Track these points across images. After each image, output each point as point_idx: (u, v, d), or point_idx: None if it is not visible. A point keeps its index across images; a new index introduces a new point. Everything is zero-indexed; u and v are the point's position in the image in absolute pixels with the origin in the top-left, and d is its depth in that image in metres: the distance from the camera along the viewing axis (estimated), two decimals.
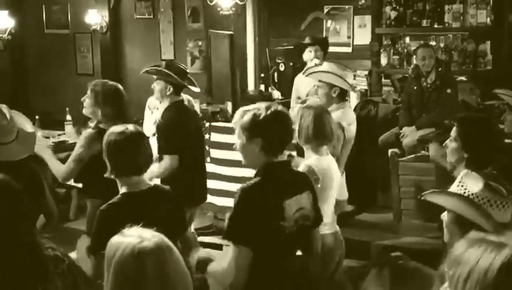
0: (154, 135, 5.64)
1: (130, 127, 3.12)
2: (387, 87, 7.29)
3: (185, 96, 5.02)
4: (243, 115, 2.84)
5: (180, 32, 8.39)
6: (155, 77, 4.70)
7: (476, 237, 1.75)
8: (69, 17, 9.17)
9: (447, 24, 7.03)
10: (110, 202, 3.01)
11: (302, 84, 6.24)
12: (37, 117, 7.09)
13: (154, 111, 6.04)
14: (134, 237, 1.95)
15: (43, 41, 9.38)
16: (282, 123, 2.84)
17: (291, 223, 2.79)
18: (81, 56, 9.20)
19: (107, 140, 3.07)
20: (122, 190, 3.04)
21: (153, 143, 5.66)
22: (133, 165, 3.03)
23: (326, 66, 4.62)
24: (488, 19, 6.90)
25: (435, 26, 7.08)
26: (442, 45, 7.19)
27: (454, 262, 1.71)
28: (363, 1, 7.62)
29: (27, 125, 3.52)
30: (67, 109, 7.15)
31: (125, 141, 3.02)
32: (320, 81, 4.54)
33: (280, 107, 2.91)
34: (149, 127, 5.80)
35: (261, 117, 2.79)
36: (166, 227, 2.32)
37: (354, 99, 6.62)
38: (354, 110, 5.98)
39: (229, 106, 6.41)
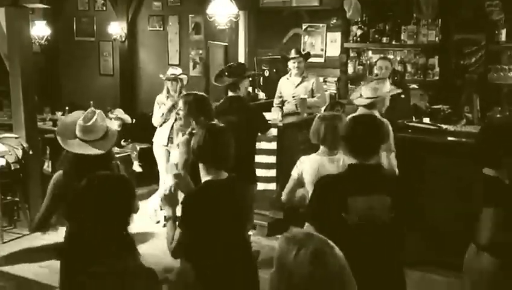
0: (160, 126, 6.37)
1: (219, 124, 3.21)
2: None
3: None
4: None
5: (184, 42, 8.63)
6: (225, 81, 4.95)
7: None
8: (95, 28, 9.53)
9: (402, 41, 7.39)
10: (196, 188, 3.08)
11: (285, 85, 6.89)
12: (66, 108, 7.84)
13: (161, 106, 6.49)
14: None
15: (73, 46, 9.78)
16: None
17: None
18: (104, 59, 9.52)
19: (201, 133, 3.04)
20: (205, 177, 2.99)
21: (160, 133, 6.25)
22: (216, 158, 2.98)
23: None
24: (437, 38, 7.20)
25: (393, 42, 7.45)
26: (398, 58, 7.55)
27: None
28: (334, 21, 7.99)
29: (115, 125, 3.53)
30: (91, 102, 7.19)
31: (213, 137, 2.99)
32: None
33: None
34: (157, 120, 6.50)
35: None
36: (243, 214, 2.73)
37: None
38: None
39: None
